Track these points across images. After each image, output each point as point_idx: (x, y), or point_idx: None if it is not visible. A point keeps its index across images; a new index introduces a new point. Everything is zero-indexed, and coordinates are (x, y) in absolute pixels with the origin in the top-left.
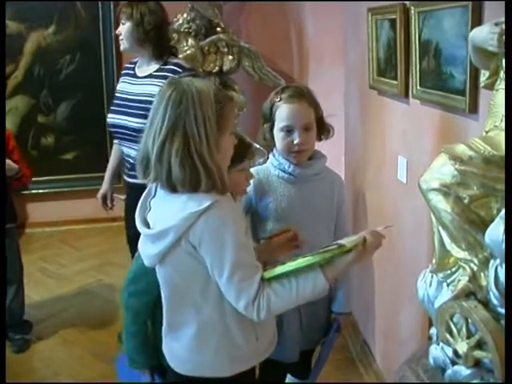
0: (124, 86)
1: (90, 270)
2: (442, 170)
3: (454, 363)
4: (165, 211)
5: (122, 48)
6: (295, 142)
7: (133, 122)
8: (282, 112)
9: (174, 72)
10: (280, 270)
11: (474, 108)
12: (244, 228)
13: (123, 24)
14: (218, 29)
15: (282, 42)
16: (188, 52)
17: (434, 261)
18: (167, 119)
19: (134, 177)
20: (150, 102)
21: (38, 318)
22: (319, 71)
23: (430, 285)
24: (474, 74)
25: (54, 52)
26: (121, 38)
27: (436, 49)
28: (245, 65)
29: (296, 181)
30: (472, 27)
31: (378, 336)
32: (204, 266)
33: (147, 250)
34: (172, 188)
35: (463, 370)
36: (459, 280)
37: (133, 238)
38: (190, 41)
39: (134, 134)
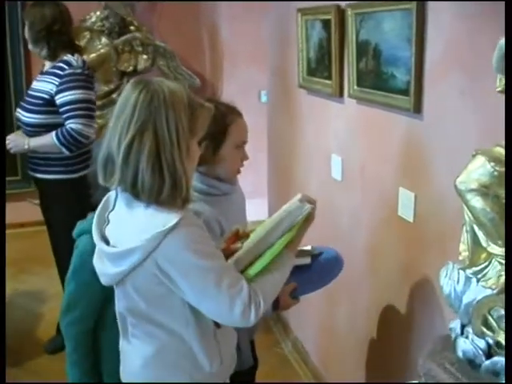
0: (33, 83)
1: None
2: (480, 172)
3: (488, 355)
4: (127, 227)
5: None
6: (245, 157)
7: (26, 116)
8: (240, 127)
9: (60, 69)
10: (260, 264)
11: (418, 108)
12: (211, 240)
13: (26, 25)
14: (132, 27)
15: (194, 43)
16: (102, 51)
17: (460, 258)
18: (135, 118)
19: (34, 170)
20: (39, 98)
21: None
22: (234, 72)
23: (458, 281)
24: (419, 75)
25: None
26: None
27: (375, 50)
28: (159, 64)
29: (232, 196)
30: (417, 29)
31: (311, 332)
32: (167, 287)
33: (105, 268)
34: (136, 194)
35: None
36: (500, 275)
37: (62, 247)
38: (104, 39)
39: (27, 128)
